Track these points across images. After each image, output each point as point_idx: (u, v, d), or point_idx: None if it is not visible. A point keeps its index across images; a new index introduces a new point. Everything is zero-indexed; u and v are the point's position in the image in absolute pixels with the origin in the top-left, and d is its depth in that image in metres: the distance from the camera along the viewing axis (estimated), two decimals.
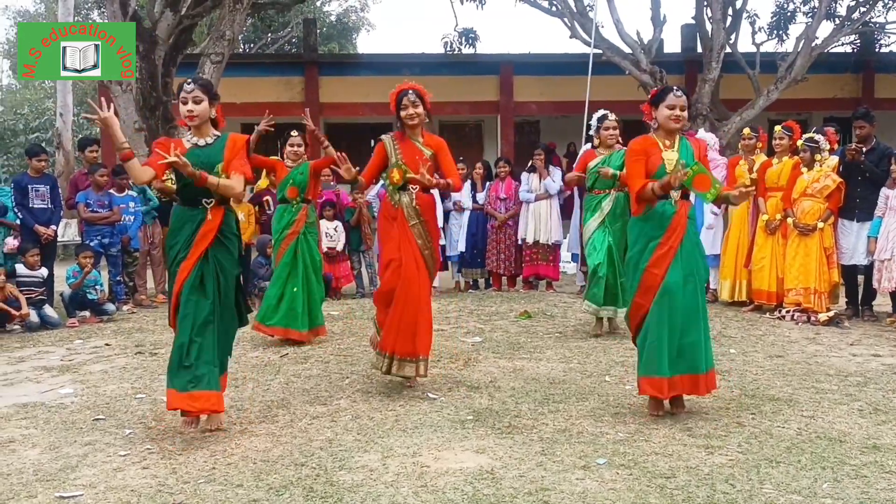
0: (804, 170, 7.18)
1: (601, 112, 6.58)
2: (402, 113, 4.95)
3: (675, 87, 4.41)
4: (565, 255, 10.80)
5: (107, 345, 6.83)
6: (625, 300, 6.29)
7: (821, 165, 7.09)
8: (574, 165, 8.77)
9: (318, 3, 28.95)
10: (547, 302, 8.47)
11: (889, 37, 17.06)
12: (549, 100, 18.08)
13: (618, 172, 6.19)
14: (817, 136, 7.11)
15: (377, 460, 3.73)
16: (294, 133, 6.90)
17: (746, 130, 7.99)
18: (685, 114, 4.38)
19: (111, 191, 8.68)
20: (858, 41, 17.07)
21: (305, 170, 6.71)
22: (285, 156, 6.83)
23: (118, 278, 8.63)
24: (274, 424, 4.37)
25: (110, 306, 8.12)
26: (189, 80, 4.22)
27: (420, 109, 4.94)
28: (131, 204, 8.84)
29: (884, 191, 6.98)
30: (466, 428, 4.21)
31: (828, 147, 7.12)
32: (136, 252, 8.88)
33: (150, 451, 3.99)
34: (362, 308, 8.39)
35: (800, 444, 3.87)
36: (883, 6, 15.86)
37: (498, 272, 9.63)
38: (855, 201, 7.12)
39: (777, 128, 7.55)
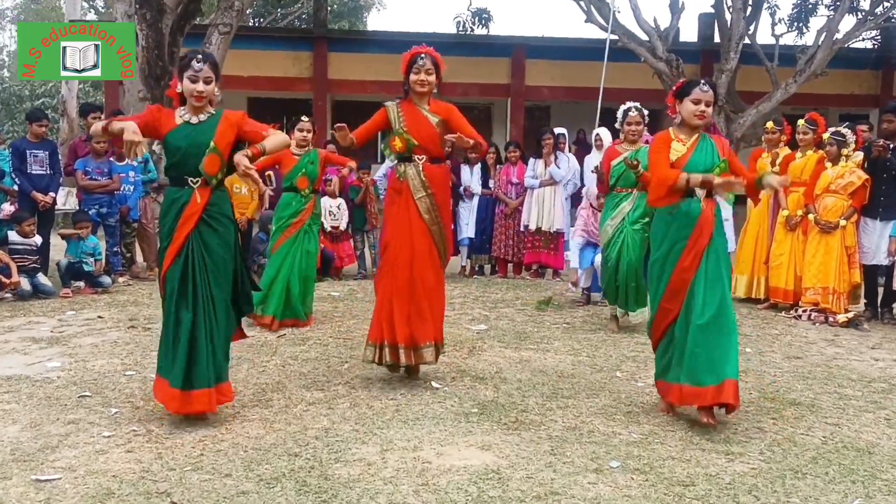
0: (829, 165, 6.91)
1: (627, 104, 6.28)
2: (413, 77, 4.62)
3: (702, 81, 4.15)
4: (574, 244, 10.53)
5: (99, 317, 6.60)
6: (639, 303, 6.08)
7: (846, 161, 6.82)
8: (600, 164, 8.52)
9: None
10: (554, 291, 8.23)
11: None
12: (562, 85, 17.75)
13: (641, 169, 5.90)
14: (844, 130, 6.83)
15: (375, 453, 3.50)
16: (305, 118, 6.61)
17: (770, 124, 7.70)
18: (710, 110, 4.12)
19: (111, 159, 8.43)
20: (880, 37, 16.70)
21: (315, 159, 6.45)
22: (292, 140, 6.54)
23: (115, 249, 8.39)
24: (268, 409, 4.14)
25: (106, 279, 7.89)
26: (198, 57, 3.92)
27: (433, 77, 4.62)
28: (131, 173, 8.58)
29: None
30: (471, 421, 3.98)
31: (854, 142, 6.83)
32: (134, 223, 8.65)
33: (135, 433, 3.77)
34: (364, 289, 8.16)
35: (826, 454, 3.64)
36: None
37: (504, 258, 9.39)
38: (879, 199, 6.84)
39: (800, 122, 7.27)
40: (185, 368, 3.81)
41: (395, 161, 4.76)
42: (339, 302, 7.48)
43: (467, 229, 9.45)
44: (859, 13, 15.03)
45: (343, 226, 9.34)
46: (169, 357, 3.88)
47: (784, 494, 3.15)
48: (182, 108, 4.02)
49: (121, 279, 8.33)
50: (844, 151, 6.81)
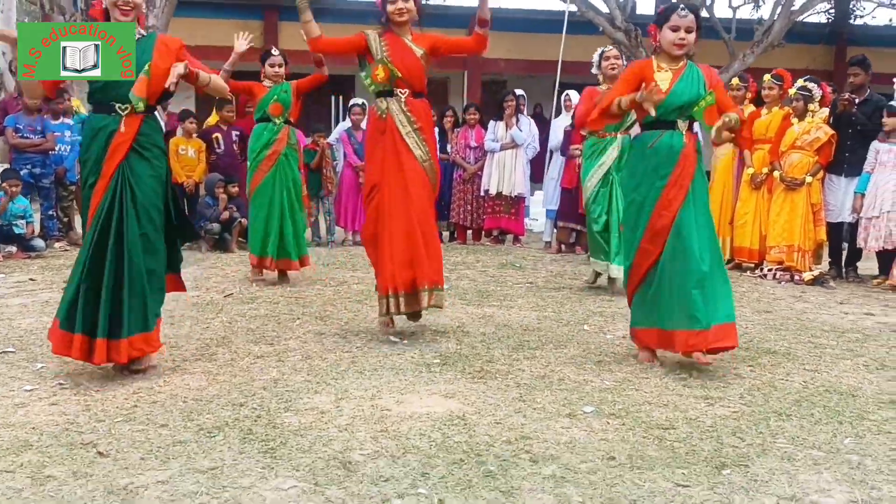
0: (794, 121, 6.76)
1: (600, 49, 6.02)
2: (390, 7, 4.27)
3: (681, 5, 3.88)
4: (535, 210, 10.33)
5: (31, 279, 6.15)
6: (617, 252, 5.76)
7: (812, 116, 6.68)
8: (566, 100, 8.24)
9: None
10: (515, 255, 7.99)
11: (864, 8, 16.83)
12: (519, 58, 17.48)
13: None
14: (810, 85, 6.68)
15: (329, 402, 3.20)
16: (275, 52, 6.26)
17: (735, 80, 7.54)
18: (692, 36, 3.85)
19: (45, 117, 7.91)
20: (833, 10, 16.78)
21: (289, 88, 6.11)
22: (265, 76, 6.17)
23: (50, 212, 7.89)
24: (211, 363, 3.80)
25: (39, 242, 7.40)
26: None
27: (410, 4, 4.27)
28: (67, 133, 8.07)
29: (874, 145, 6.59)
30: (433, 371, 3.70)
31: (820, 95, 6.69)
32: (71, 185, 8.12)
33: (62, 386, 3.40)
34: (317, 254, 7.80)
35: (808, 397, 3.44)
36: None
37: (463, 225, 9.11)
38: (844, 155, 6.73)
39: (766, 77, 7.11)
40: (100, 314, 3.39)
41: (374, 95, 4.42)
42: None
43: None
44: None
45: None
46: (79, 300, 3.46)
47: (770, 435, 2.94)
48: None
49: (57, 244, 7.84)
50: (811, 107, 6.66)
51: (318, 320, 4.79)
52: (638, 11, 17.15)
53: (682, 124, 3.85)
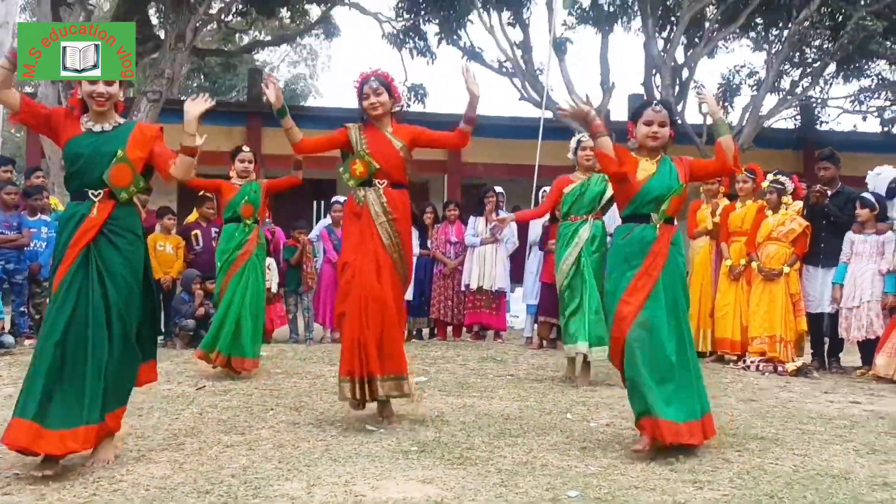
0: (769, 213, 6.86)
1: (578, 135, 6.15)
2: (364, 103, 4.36)
3: (654, 101, 4.04)
4: (516, 306, 10.27)
5: None
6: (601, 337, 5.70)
7: (786, 208, 6.78)
8: (544, 196, 8.34)
9: (267, 69, 28.61)
10: (496, 350, 7.87)
11: (829, 114, 17.47)
12: (498, 162, 17.85)
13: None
14: (783, 178, 6.83)
15: (301, 489, 3.04)
16: (245, 148, 6.30)
17: None
18: (665, 130, 3.97)
19: (23, 213, 7.86)
20: (800, 116, 17.41)
21: (258, 188, 6.09)
22: (234, 172, 6.18)
23: (22, 309, 7.71)
24: (178, 452, 3.63)
25: (8, 338, 7.20)
26: None
27: (383, 98, 4.34)
28: (44, 229, 8.00)
29: (849, 235, 6.68)
30: (410, 458, 3.54)
31: (793, 188, 6.83)
32: (45, 282, 7.98)
33: (17, 475, 3.23)
34: (294, 350, 7.66)
35: (800, 480, 3.32)
36: (824, 82, 16.25)
37: (443, 321, 9.02)
38: (819, 246, 6.80)
39: None
40: (48, 400, 3.21)
41: (354, 187, 4.44)
42: (267, 360, 6.94)
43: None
44: (781, 92, 15.65)
45: (274, 287, 8.85)
46: (35, 389, 3.29)
47: None
48: (85, 115, 3.57)
49: (27, 342, 7.63)
50: (784, 199, 6.78)
51: (293, 411, 4.63)
52: (612, 118, 17.72)
53: (655, 217, 3.90)
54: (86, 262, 3.40)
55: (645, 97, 16.38)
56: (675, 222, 4.02)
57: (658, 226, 3.89)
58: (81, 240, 3.40)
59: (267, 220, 9.25)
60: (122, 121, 3.64)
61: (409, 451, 3.68)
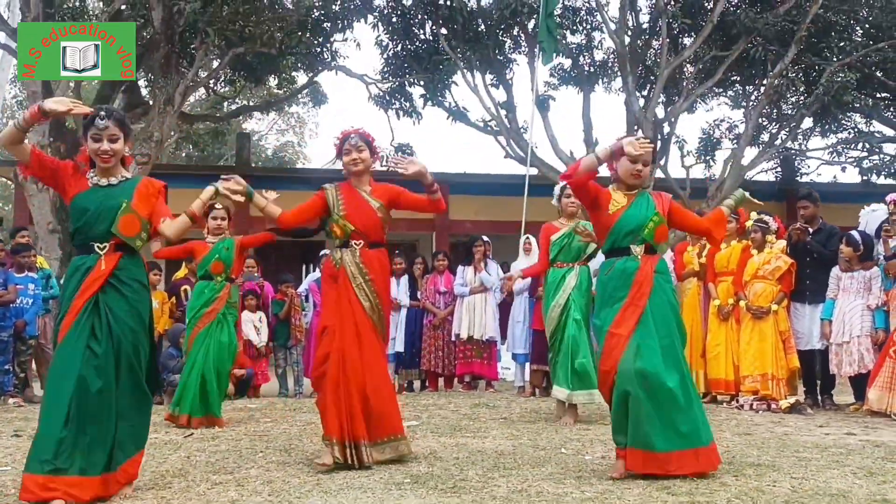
0: (754, 252, 6.92)
1: (563, 182, 6.23)
2: (345, 158, 4.39)
3: (637, 138, 4.10)
4: (506, 358, 10.20)
5: None
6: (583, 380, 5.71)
7: (771, 247, 6.85)
8: (527, 243, 8.38)
9: (255, 138, 28.92)
10: (489, 397, 7.80)
11: (809, 166, 17.79)
12: (485, 219, 17.98)
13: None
14: (766, 217, 6.92)
15: None
16: (218, 206, 6.29)
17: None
18: (647, 169, 4.06)
19: (10, 270, 7.83)
20: (780, 170, 17.70)
21: (231, 245, 6.06)
22: (207, 230, 6.18)
23: (6, 367, 7.60)
24: (166, 490, 3.57)
25: None
26: (101, 113, 3.55)
27: (365, 154, 4.38)
28: (31, 286, 7.95)
29: (834, 271, 6.74)
30: (403, 489, 3.48)
31: (776, 228, 6.91)
32: (31, 339, 7.90)
33: None
34: (284, 402, 7.55)
35: (798, 499, 3.28)
36: (803, 136, 16.60)
37: (435, 371, 8.94)
38: (805, 283, 6.84)
39: None
40: (61, 450, 3.25)
41: (333, 246, 4.45)
42: (256, 411, 6.84)
43: (395, 343, 9.02)
44: (760, 145, 15.96)
45: (263, 341, 8.79)
46: (49, 441, 3.30)
47: None
48: (91, 171, 3.63)
49: (11, 400, 7.50)
50: (768, 238, 6.86)
51: (283, 452, 4.55)
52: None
53: (636, 248, 3.95)
54: (93, 311, 3.43)
55: None
56: (658, 252, 4.06)
57: (639, 256, 3.93)
58: (88, 290, 3.44)
59: (256, 274, 9.28)
60: (128, 175, 3.69)
61: (402, 482, 3.61)
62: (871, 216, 7.26)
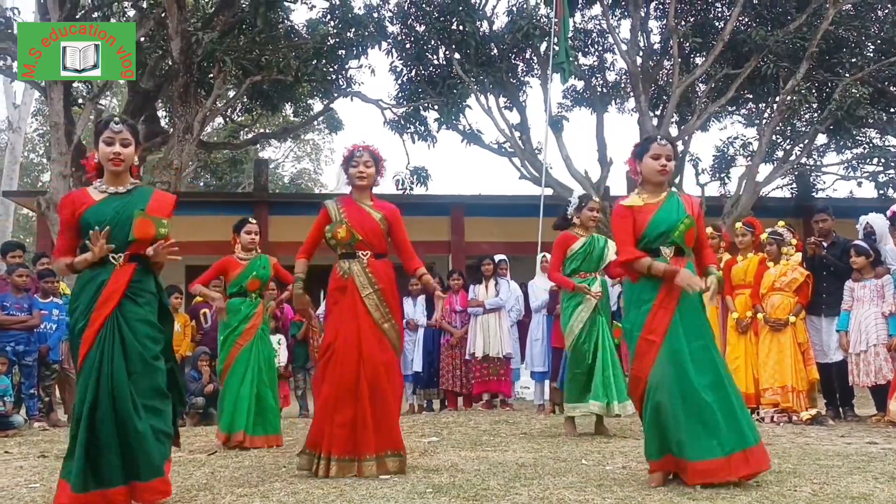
0: (770, 264, 6.94)
1: (583, 192, 6.30)
2: (352, 171, 4.51)
3: (659, 136, 4.13)
4: (525, 377, 10.20)
5: (6, 452, 5.91)
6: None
7: (787, 259, 6.87)
8: (544, 261, 8.43)
9: (272, 166, 29.23)
10: (508, 414, 7.81)
11: (824, 182, 17.75)
12: (501, 240, 18.01)
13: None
14: (780, 229, 6.94)
15: None
16: (251, 220, 6.37)
17: (709, 230, 7.79)
18: (672, 164, 4.02)
19: (35, 296, 7.97)
20: (796, 186, 17.67)
21: (267, 264, 6.16)
22: (240, 244, 6.21)
23: (31, 391, 7.71)
24: (192, 503, 3.61)
25: (18, 418, 7.19)
26: (116, 119, 3.64)
27: (371, 170, 4.50)
28: (55, 311, 8.09)
29: (848, 283, 6.74)
30: (426, 498, 3.53)
31: (792, 239, 6.93)
32: (55, 364, 8.03)
33: None
34: (306, 423, 7.58)
35: (819, 502, 3.29)
36: (817, 152, 16.58)
37: (453, 391, 8.96)
38: (821, 296, 6.85)
39: (738, 225, 7.40)
40: (89, 463, 3.35)
41: (338, 258, 4.53)
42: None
43: (414, 363, 9.06)
44: (775, 162, 15.96)
45: (283, 363, 8.86)
46: (80, 455, 3.39)
47: None
48: (98, 181, 3.68)
49: (36, 424, 7.60)
50: (784, 250, 6.87)
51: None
52: (612, 192, 18.03)
53: (666, 251, 3.93)
54: (114, 323, 3.47)
55: None
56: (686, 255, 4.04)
57: (669, 259, 3.89)
58: (108, 303, 3.48)
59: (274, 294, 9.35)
60: (138, 182, 3.76)
61: (424, 492, 3.65)
62: (871, 219, 7.19)
